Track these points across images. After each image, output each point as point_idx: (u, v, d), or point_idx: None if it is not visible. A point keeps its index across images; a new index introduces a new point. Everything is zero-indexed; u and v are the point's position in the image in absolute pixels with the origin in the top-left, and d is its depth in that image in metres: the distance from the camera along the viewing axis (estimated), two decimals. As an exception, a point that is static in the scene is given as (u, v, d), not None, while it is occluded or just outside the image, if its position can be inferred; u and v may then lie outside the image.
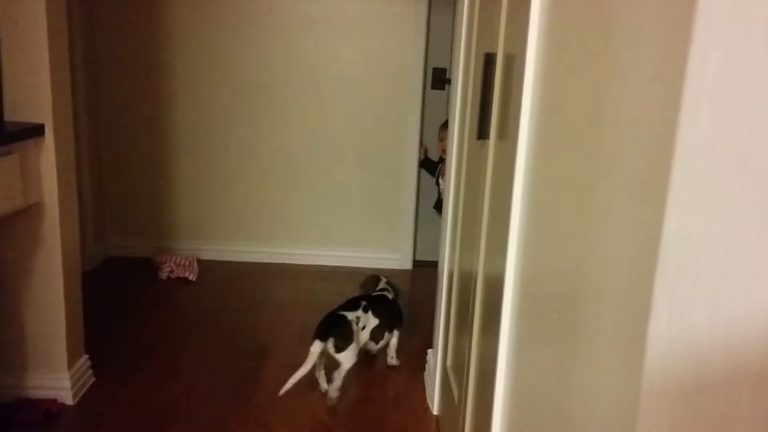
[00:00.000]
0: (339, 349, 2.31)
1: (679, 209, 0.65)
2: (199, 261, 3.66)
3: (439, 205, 3.53)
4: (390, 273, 3.76)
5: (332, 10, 3.60)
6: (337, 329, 2.33)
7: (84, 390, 2.34)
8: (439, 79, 3.72)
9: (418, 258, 3.90)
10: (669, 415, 0.70)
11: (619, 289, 0.79)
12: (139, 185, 3.79)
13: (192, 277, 3.52)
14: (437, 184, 3.53)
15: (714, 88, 0.62)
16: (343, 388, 2.36)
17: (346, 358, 2.33)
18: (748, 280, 0.66)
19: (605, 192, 0.86)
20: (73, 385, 2.27)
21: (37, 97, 2.07)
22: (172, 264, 3.53)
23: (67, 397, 2.26)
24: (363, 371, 2.59)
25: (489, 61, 1.56)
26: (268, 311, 3.16)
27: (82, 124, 3.41)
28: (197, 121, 3.71)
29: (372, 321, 2.50)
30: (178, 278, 3.50)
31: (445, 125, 3.18)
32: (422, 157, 3.68)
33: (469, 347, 1.70)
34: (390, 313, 2.64)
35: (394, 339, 2.66)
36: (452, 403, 1.96)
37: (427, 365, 2.55)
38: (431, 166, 3.61)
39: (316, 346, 2.27)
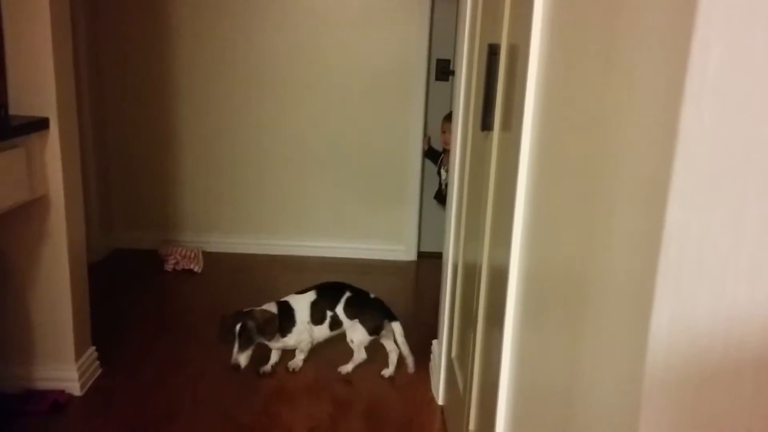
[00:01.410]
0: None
1: (681, 201, 0.65)
2: (205, 253, 3.68)
3: (439, 196, 3.55)
4: (394, 264, 3.79)
5: (336, 2, 3.60)
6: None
7: (91, 381, 2.36)
8: (443, 71, 3.71)
9: (422, 249, 3.91)
10: (671, 405, 0.70)
11: (622, 280, 0.79)
12: (145, 178, 3.80)
13: (197, 269, 3.53)
14: (438, 174, 3.54)
15: (716, 82, 0.62)
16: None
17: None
18: (749, 271, 0.66)
19: (608, 184, 0.86)
20: (80, 376, 2.29)
21: (42, 91, 2.07)
22: (177, 256, 3.54)
23: (75, 388, 2.28)
24: (368, 362, 2.60)
25: (493, 52, 1.56)
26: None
27: (86, 117, 3.42)
28: (202, 113, 3.71)
29: None
30: (184, 270, 3.52)
31: (448, 117, 3.18)
32: (426, 147, 3.68)
33: (474, 338, 1.70)
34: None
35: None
36: (457, 394, 1.97)
37: (432, 356, 2.56)
38: (435, 155, 3.62)
39: (399, 326, 2.51)
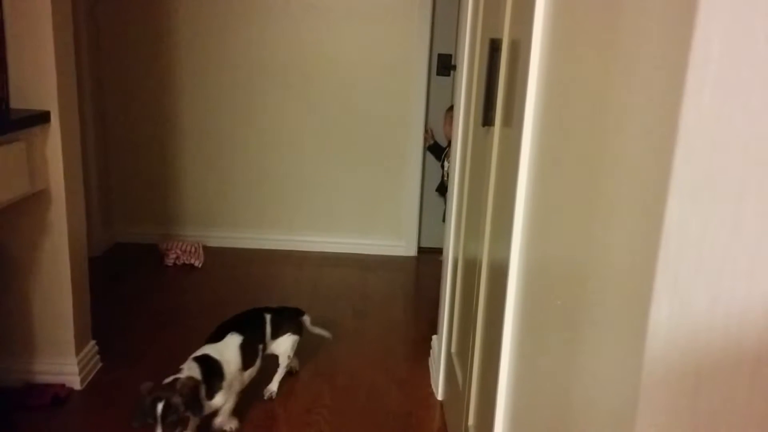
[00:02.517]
0: None
1: (681, 197, 0.65)
2: (205, 247, 3.68)
3: (442, 188, 3.55)
4: (395, 260, 3.79)
5: (337, -4, 3.59)
6: None
7: (91, 375, 2.37)
8: (445, 65, 3.70)
9: (422, 245, 3.91)
10: (669, 400, 0.70)
11: (621, 276, 0.79)
12: (146, 172, 3.80)
13: (198, 263, 3.54)
14: (442, 166, 3.54)
15: (716, 77, 0.62)
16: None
17: None
18: (748, 267, 0.66)
19: (608, 180, 0.86)
20: (80, 370, 2.29)
21: (43, 85, 2.07)
22: (178, 250, 3.54)
23: (75, 382, 2.28)
24: (368, 357, 2.60)
25: (494, 47, 1.56)
26: (273, 298, 3.17)
27: (87, 111, 3.42)
28: (203, 108, 3.71)
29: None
30: (185, 265, 3.52)
31: (451, 108, 3.18)
32: (431, 142, 3.68)
33: (474, 333, 1.70)
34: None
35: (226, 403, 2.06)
36: (456, 389, 1.97)
37: (431, 351, 2.56)
38: (438, 151, 3.61)
39: (308, 317, 2.47)
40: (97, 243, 3.52)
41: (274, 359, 2.32)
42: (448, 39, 3.62)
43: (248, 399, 2.27)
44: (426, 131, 3.71)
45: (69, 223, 2.19)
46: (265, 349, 2.25)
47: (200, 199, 3.83)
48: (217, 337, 2.12)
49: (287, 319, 2.35)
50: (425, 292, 3.33)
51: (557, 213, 1.10)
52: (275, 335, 2.30)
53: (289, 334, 2.33)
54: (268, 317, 2.28)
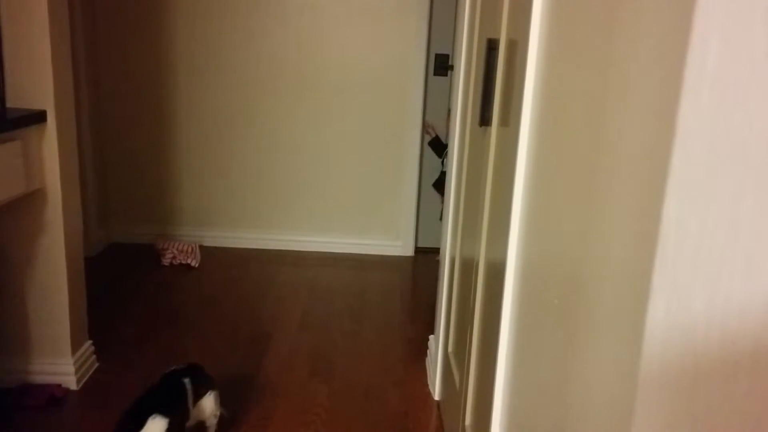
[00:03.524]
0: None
1: (679, 196, 0.65)
2: (202, 247, 3.68)
3: (438, 184, 3.55)
4: (392, 260, 3.79)
5: (334, -4, 3.59)
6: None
7: (88, 375, 2.36)
8: (442, 65, 3.70)
9: (419, 245, 3.91)
10: (666, 399, 0.70)
11: (619, 275, 0.79)
12: (142, 171, 3.79)
13: (194, 263, 3.53)
14: (442, 163, 3.53)
15: (714, 75, 0.62)
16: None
17: None
18: (745, 266, 0.66)
19: (606, 179, 0.86)
20: (77, 370, 2.29)
21: (39, 84, 2.07)
22: (174, 250, 3.54)
23: (71, 382, 2.28)
24: (364, 357, 2.60)
25: (491, 46, 1.56)
26: (270, 298, 3.18)
27: (84, 110, 3.41)
28: (200, 108, 3.70)
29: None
30: (181, 264, 3.52)
31: None
32: (433, 135, 3.67)
33: (471, 333, 1.70)
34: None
35: None
36: (453, 389, 1.97)
37: (428, 351, 2.56)
38: (440, 146, 3.60)
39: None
40: (93, 243, 3.51)
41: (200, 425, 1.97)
42: (445, 39, 3.62)
43: (244, 399, 2.27)
44: (426, 125, 3.70)
45: (65, 223, 2.18)
46: (189, 421, 1.89)
47: (197, 198, 3.82)
48: (136, 421, 1.69)
49: (202, 377, 1.98)
50: (422, 291, 3.33)
51: (554, 212, 1.10)
52: (196, 399, 1.93)
53: (210, 392, 1.97)
54: (185, 383, 1.88)
